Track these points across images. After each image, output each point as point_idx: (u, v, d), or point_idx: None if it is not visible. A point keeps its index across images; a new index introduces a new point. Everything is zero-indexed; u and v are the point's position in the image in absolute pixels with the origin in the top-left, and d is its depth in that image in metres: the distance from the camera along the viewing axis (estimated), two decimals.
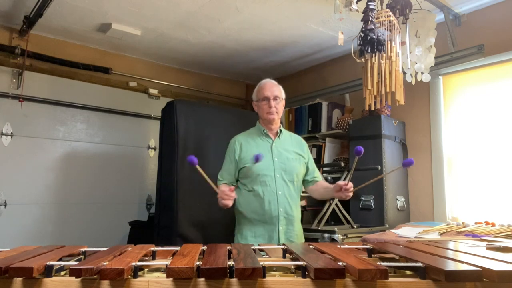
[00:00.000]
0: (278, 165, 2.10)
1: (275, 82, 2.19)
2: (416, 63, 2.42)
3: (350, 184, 1.92)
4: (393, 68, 2.19)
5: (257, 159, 1.79)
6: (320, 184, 2.22)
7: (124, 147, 3.88)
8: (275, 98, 2.12)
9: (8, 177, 3.22)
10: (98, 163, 3.69)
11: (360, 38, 2.17)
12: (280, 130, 2.21)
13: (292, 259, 1.10)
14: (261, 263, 0.89)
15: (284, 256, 1.14)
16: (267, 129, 2.19)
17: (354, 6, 2.10)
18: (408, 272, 0.98)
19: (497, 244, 1.26)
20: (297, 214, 2.14)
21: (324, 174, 3.24)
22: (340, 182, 1.95)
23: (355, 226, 2.79)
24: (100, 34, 3.44)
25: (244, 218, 2.12)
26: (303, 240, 2.22)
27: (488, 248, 1.21)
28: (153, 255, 1.13)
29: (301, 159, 2.18)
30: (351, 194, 1.93)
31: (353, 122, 3.24)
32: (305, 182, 2.26)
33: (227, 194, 1.86)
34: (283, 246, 1.18)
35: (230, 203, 1.88)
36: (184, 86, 4.35)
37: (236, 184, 2.11)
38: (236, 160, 2.14)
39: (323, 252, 1.10)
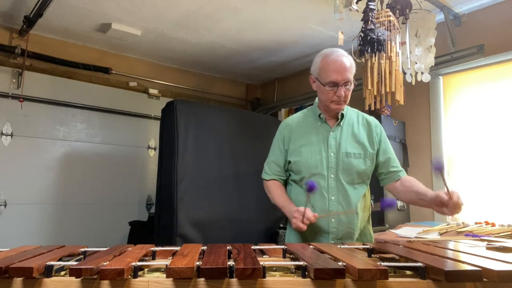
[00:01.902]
0: (333, 162, 1.62)
1: (347, 57, 1.61)
2: (416, 63, 2.43)
3: (456, 195, 1.39)
4: (393, 68, 2.19)
5: (310, 188, 1.43)
6: (410, 185, 1.64)
7: (124, 147, 3.88)
8: (346, 83, 1.58)
9: (8, 177, 3.22)
10: (98, 163, 3.70)
11: (360, 38, 2.17)
12: (342, 114, 1.67)
13: (292, 259, 1.10)
14: (261, 263, 0.89)
15: (284, 256, 1.14)
16: (324, 113, 1.69)
17: (354, 6, 2.10)
18: (408, 272, 0.98)
19: (497, 244, 1.26)
20: (356, 225, 1.63)
21: None
22: (442, 194, 1.41)
23: None
24: (100, 34, 3.44)
25: None
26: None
27: (488, 248, 1.21)
28: (153, 255, 1.13)
29: (368, 152, 1.65)
30: (460, 210, 1.41)
31: None
32: (379, 178, 1.74)
33: (307, 217, 1.45)
34: (283, 246, 1.18)
35: (304, 228, 1.47)
36: (184, 86, 4.35)
37: (318, 214, 1.52)
38: (286, 150, 1.71)
39: (323, 252, 1.10)
